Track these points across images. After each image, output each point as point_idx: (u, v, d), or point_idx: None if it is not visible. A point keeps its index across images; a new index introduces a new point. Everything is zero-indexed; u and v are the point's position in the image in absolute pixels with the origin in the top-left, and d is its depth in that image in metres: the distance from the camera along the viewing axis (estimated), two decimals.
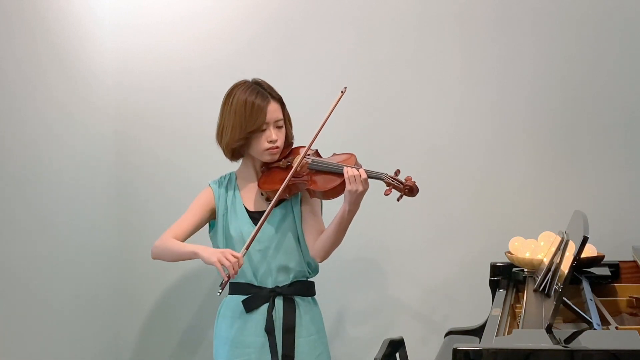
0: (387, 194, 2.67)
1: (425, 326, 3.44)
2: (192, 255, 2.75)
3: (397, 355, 2.74)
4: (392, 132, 3.45)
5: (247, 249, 2.70)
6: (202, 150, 3.53)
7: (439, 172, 3.40)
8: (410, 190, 2.66)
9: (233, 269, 2.64)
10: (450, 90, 3.43)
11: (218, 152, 3.48)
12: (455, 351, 1.96)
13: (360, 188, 2.65)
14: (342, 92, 2.82)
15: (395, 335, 2.81)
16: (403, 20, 3.43)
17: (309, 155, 2.80)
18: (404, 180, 2.67)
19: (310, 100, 3.33)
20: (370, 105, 3.43)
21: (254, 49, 3.51)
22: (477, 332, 2.89)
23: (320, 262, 2.83)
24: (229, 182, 2.90)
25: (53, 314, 3.13)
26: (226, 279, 2.65)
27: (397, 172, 2.69)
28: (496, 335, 2.28)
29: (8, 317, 2.86)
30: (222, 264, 2.64)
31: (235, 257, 2.65)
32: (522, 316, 2.40)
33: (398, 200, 2.69)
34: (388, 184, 2.68)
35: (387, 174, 2.68)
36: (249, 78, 2.87)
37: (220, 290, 2.65)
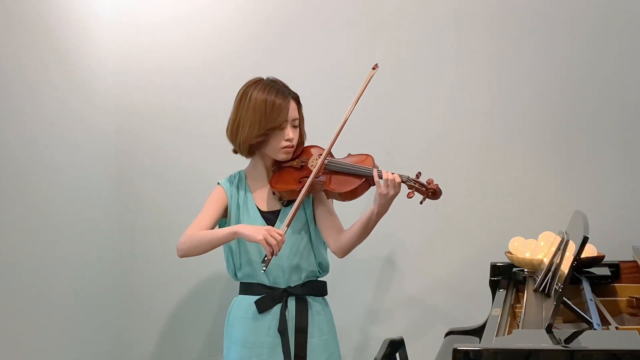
0: (410, 197, 2.69)
1: (425, 326, 3.44)
2: (232, 236, 2.74)
3: (397, 355, 2.74)
4: (390, 132, 3.45)
5: (287, 226, 2.71)
6: (203, 148, 3.54)
7: (438, 172, 3.37)
8: (433, 193, 2.70)
9: (278, 246, 2.65)
10: (450, 89, 3.43)
11: (218, 149, 3.49)
12: (455, 351, 1.96)
13: (392, 192, 2.66)
14: (373, 68, 2.87)
15: (395, 335, 2.82)
16: (402, 19, 3.43)
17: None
18: (426, 183, 2.69)
19: (309, 99, 3.32)
20: (369, 105, 3.43)
21: (254, 47, 3.51)
22: (477, 332, 2.89)
23: (342, 257, 2.86)
24: (239, 181, 2.91)
25: (53, 313, 3.13)
26: (270, 256, 2.65)
27: (419, 175, 2.72)
28: (496, 335, 2.28)
29: (8, 317, 2.86)
30: (267, 242, 2.64)
31: (279, 234, 2.66)
32: (522, 316, 2.40)
33: (421, 203, 2.71)
34: (410, 187, 2.70)
35: (409, 177, 2.70)
36: (256, 76, 2.88)
37: (265, 268, 2.66)
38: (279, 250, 2.67)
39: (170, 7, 3.55)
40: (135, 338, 3.62)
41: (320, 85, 3.43)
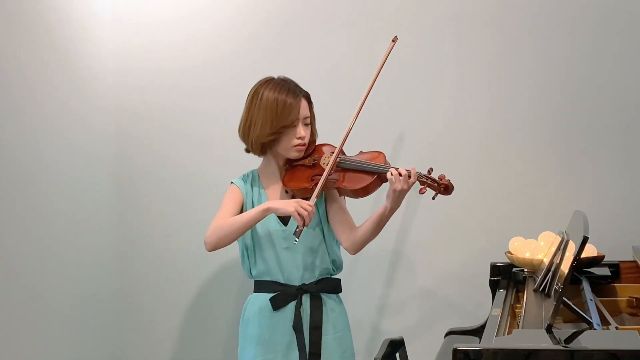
0: (422, 193, 2.73)
1: (425, 326, 3.44)
2: (264, 213, 2.74)
3: (397, 355, 2.74)
4: (390, 132, 3.45)
5: (316, 197, 2.73)
6: (203, 148, 3.55)
7: (438, 172, 3.40)
8: (445, 188, 2.73)
9: (309, 217, 2.68)
10: (450, 89, 3.43)
11: (219, 149, 3.51)
12: (455, 351, 1.96)
13: (406, 187, 2.69)
14: (393, 40, 2.92)
15: (395, 335, 2.82)
16: (402, 19, 3.43)
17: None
18: (438, 179, 2.71)
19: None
20: (369, 105, 3.43)
21: (254, 47, 3.51)
22: (477, 332, 2.89)
23: (354, 254, 2.87)
24: (252, 180, 2.92)
25: (52, 313, 3.13)
26: (301, 227, 2.68)
27: (430, 171, 2.76)
28: (496, 335, 2.28)
29: (8, 317, 2.86)
30: (299, 213, 2.67)
31: (310, 205, 2.69)
32: (522, 316, 2.40)
33: (433, 198, 2.75)
34: (422, 183, 2.73)
35: (420, 173, 2.73)
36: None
37: (297, 239, 2.69)
38: (310, 221, 2.69)
39: (170, 7, 3.55)
40: (133, 337, 3.62)
41: (320, 85, 3.41)
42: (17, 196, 2.92)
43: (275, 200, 2.81)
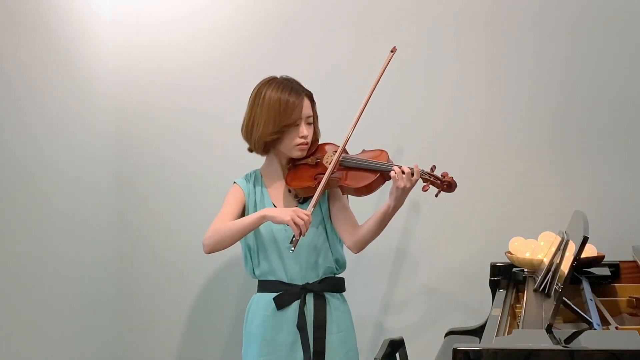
0: (425, 190, 2.74)
1: (425, 326, 3.44)
2: (261, 220, 2.75)
3: (397, 355, 2.75)
4: (390, 132, 3.45)
5: (314, 206, 2.74)
6: (203, 148, 3.55)
7: (438, 171, 3.40)
8: (448, 185, 2.74)
9: (305, 226, 2.67)
10: (450, 89, 3.43)
11: (219, 149, 3.51)
12: (455, 351, 1.96)
13: (409, 185, 2.70)
14: (392, 51, 2.93)
15: (395, 335, 2.82)
16: (402, 19, 3.44)
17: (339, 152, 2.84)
18: (441, 176, 2.73)
19: None
20: (369, 105, 3.43)
21: (254, 47, 3.51)
22: (477, 332, 2.89)
23: (357, 253, 2.88)
24: (255, 180, 2.93)
25: (52, 313, 3.13)
26: (298, 237, 2.68)
27: (433, 168, 2.76)
28: (496, 335, 2.28)
29: (8, 317, 2.86)
30: (295, 223, 2.67)
31: (306, 215, 2.69)
32: (522, 316, 2.40)
33: (436, 196, 2.76)
34: (425, 181, 2.74)
35: (423, 170, 2.74)
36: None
37: (293, 248, 2.68)
38: (307, 231, 2.69)
39: (170, 7, 3.55)
40: (133, 338, 3.62)
41: (320, 85, 3.41)
42: (17, 196, 2.92)
43: (272, 208, 2.80)
